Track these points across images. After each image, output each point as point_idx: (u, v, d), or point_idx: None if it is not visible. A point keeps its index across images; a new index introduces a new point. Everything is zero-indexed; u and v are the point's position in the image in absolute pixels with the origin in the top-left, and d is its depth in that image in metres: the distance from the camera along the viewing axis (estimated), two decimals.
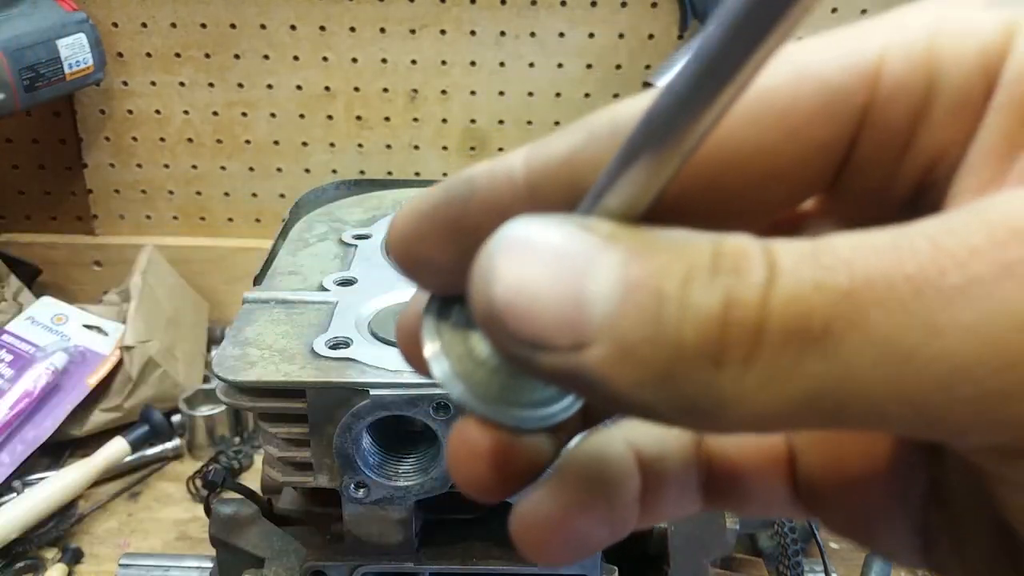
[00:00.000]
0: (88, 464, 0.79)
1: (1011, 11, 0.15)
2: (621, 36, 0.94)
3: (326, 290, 0.54)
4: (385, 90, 0.98)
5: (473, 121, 0.99)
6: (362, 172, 1.02)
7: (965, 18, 0.15)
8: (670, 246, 0.13)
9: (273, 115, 0.99)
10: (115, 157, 1.02)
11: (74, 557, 0.74)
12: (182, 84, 0.98)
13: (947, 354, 0.12)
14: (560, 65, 0.96)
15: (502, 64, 0.95)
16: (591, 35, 0.94)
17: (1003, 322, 0.11)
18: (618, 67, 0.96)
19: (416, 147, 1.01)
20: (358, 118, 0.99)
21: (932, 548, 0.18)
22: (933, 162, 0.16)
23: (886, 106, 0.15)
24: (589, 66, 0.96)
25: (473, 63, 0.95)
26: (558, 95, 0.97)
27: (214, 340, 1.02)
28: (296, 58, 0.96)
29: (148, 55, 0.96)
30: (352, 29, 0.94)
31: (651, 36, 0.94)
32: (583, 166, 0.15)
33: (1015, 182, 0.14)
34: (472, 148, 1.00)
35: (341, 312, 0.51)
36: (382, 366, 0.46)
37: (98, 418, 0.86)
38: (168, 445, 0.86)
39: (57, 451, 0.85)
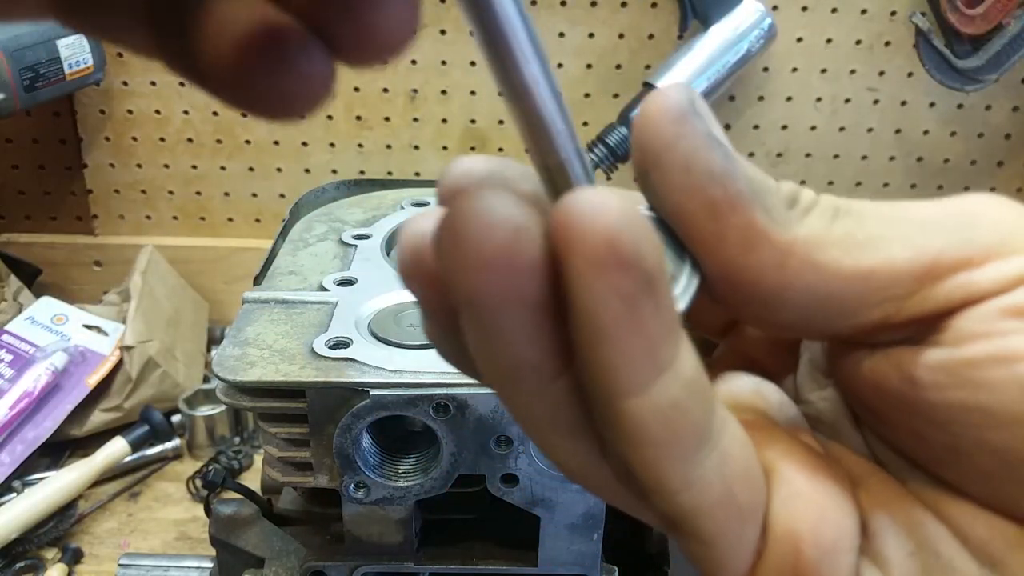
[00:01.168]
0: (88, 464, 0.79)
1: None
2: (621, 36, 0.94)
3: (326, 290, 0.54)
4: (385, 90, 0.98)
5: (473, 121, 0.99)
6: (362, 172, 1.02)
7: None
8: None
9: None
10: (115, 157, 1.02)
11: (74, 557, 0.74)
12: (182, 84, 0.98)
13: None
14: (560, 65, 0.96)
15: None
16: (591, 35, 0.94)
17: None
18: (618, 67, 0.96)
19: (416, 147, 1.01)
20: (358, 118, 0.99)
21: None
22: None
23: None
24: (589, 66, 0.96)
25: (473, 63, 0.95)
26: None
27: (214, 340, 1.02)
28: None
29: None
30: None
31: (651, 36, 0.94)
32: None
33: None
34: (472, 148, 1.00)
35: (341, 312, 0.51)
36: (382, 366, 0.46)
37: (98, 418, 0.86)
38: (168, 445, 0.86)
39: (57, 451, 0.85)
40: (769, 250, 0.18)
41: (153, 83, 0.98)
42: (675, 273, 0.19)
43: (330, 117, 0.99)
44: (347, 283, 0.55)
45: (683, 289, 0.19)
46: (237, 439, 0.88)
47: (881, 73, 0.96)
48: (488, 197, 0.16)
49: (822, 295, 0.19)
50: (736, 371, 0.24)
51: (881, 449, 0.22)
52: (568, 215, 0.16)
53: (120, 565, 0.68)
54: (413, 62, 0.96)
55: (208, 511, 0.58)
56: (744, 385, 0.23)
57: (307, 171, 1.02)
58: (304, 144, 1.01)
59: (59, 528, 0.76)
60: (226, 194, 1.04)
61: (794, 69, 0.96)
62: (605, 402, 0.17)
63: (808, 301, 0.19)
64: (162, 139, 1.01)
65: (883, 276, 0.19)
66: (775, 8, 0.92)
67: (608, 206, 0.15)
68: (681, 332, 0.17)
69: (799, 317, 0.19)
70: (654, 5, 0.93)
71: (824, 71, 0.96)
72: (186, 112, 0.99)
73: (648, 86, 0.89)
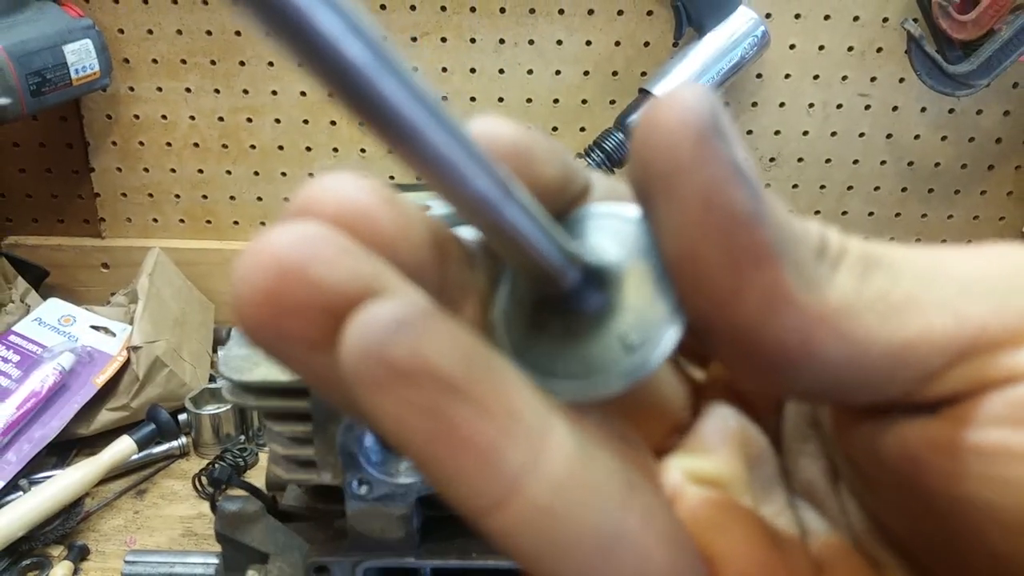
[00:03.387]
0: (95, 462, 0.80)
1: None
2: (618, 44, 0.96)
3: None
4: None
5: None
6: None
7: None
8: None
9: (278, 120, 1.01)
10: (122, 161, 1.04)
11: (80, 554, 0.75)
12: (188, 90, 0.99)
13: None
14: (558, 72, 0.97)
15: (501, 71, 0.97)
16: (588, 43, 0.96)
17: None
18: (615, 74, 0.97)
19: None
20: (361, 123, 1.00)
21: None
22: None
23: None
24: (586, 73, 0.97)
25: (473, 70, 0.97)
26: (556, 101, 0.99)
27: (220, 340, 1.03)
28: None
29: (154, 61, 0.98)
30: None
31: (647, 44, 0.96)
32: None
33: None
34: None
35: None
36: None
37: (105, 417, 0.87)
38: (174, 443, 0.87)
39: (64, 450, 0.86)
40: (794, 316, 0.15)
41: (159, 89, 0.99)
42: (650, 313, 0.16)
43: (333, 123, 1.01)
44: None
45: (658, 336, 0.16)
46: (242, 437, 0.89)
47: (873, 79, 0.98)
48: (281, 234, 0.14)
49: (845, 368, 0.16)
50: (725, 404, 0.21)
51: (862, 521, 0.19)
52: (344, 335, 0.13)
53: (126, 562, 0.69)
54: (414, 69, 0.97)
55: (214, 508, 0.59)
56: (730, 426, 0.21)
57: (311, 175, 1.03)
58: (308, 149, 1.02)
59: (65, 526, 0.77)
60: (231, 198, 1.05)
61: (787, 75, 0.98)
62: (470, 518, 0.14)
63: (827, 374, 0.16)
64: (168, 144, 1.02)
65: (918, 350, 0.16)
66: (768, 16, 0.93)
67: (374, 318, 0.13)
68: (545, 419, 0.14)
69: (810, 389, 0.16)
70: (650, 13, 0.94)
71: (816, 77, 0.98)
72: (192, 117, 1.01)
73: (644, 92, 0.91)
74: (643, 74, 0.96)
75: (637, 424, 0.20)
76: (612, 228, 0.17)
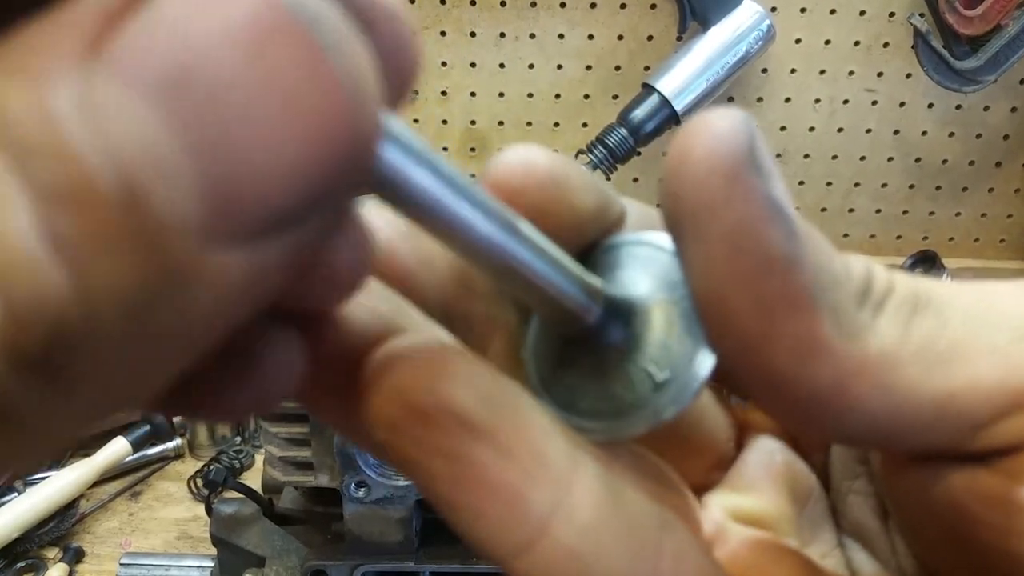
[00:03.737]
0: (89, 464, 0.80)
1: None
2: (620, 38, 0.95)
3: None
4: None
5: (473, 122, 0.99)
6: None
7: None
8: None
9: None
10: None
11: (75, 556, 0.75)
12: None
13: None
14: (560, 66, 0.96)
15: (502, 65, 0.96)
16: (590, 36, 0.95)
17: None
18: (617, 68, 0.96)
19: None
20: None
21: None
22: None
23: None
24: (589, 67, 0.96)
25: (473, 64, 0.96)
26: (558, 96, 0.98)
27: None
28: None
29: None
30: None
31: (650, 38, 0.95)
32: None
33: None
34: (472, 149, 1.01)
35: None
36: None
37: None
38: (169, 445, 0.87)
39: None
40: (830, 366, 0.14)
41: None
42: (679, 349, 0.16)
43: None
44: None
45: (687, 374, 0.16)
46: (238, 439, 0.88)
47: (879, 74, 0.97)
48: None
49: (885, 418, 0.15)
50: (771, 438, 0.20)
51: (912, 564, 0.19)
52: (363, 376, 0.13)
53: (121, 564, 0.69)
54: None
55: (209, 510, 0.58)
56: (776, 462, 0.20)
57: None
58: None
59: (60, 527, 0.77)
60: None
61: (793, 70, 0.97)
62: (495, 562, 0.14)
63: (866, 423, 0.15)
64: None
65: (965, 401, 0.15)
66: (774, 10, 0.92)
67: (393, 359, 0.13)
68: (571, 460, 0.14)
69: (849, 436, 0.16)
70: (653, 7, 0.93)
71: (823, 72, 0.97)
72: None
73: (647, 87, 0.90)
74: (646, 68, 0.95)
75: (675, 459, 0.19)
76: (644, 257, 0.17)
